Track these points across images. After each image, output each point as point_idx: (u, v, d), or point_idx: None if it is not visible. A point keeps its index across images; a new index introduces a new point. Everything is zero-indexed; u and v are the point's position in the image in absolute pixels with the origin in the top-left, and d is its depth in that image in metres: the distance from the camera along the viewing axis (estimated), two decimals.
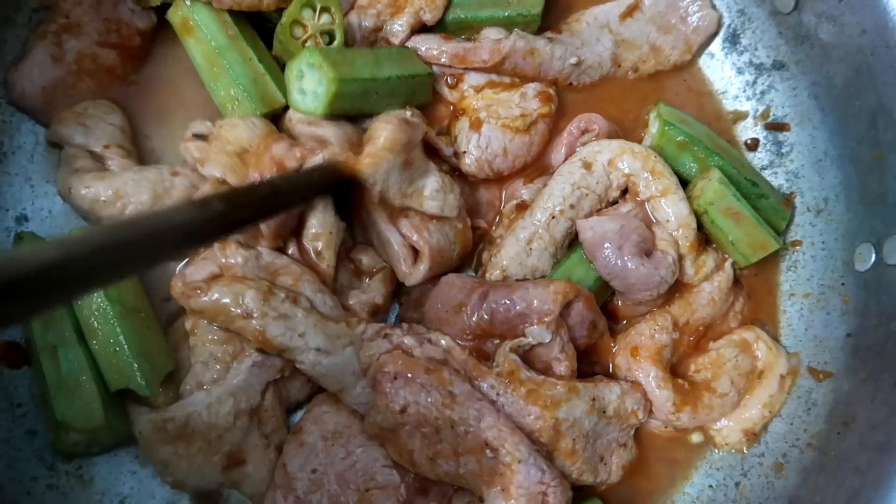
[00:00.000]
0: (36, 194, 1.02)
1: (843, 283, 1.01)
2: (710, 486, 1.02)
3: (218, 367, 0.93)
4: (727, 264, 1.02)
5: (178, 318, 0.99)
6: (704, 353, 1.02)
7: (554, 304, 0.90)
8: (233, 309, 0.88)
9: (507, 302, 0.91)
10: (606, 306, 1.03)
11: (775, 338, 1.05)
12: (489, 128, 1.02)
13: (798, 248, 1.08)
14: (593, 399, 0.92)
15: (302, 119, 0.98)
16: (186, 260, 0.95)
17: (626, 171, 1.00)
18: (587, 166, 1.00)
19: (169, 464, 0.91)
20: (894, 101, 0.92)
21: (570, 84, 1.11)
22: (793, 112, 1.10)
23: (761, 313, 1.06)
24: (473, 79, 1.07)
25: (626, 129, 1.10)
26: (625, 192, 1.03)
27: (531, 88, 1.05)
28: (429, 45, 1.05)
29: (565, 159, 1.04)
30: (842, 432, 0.93)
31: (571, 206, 1.00)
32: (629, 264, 0.95)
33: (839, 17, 0.98)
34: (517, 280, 0.98)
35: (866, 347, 0.94)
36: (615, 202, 1.03)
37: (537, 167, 1.10)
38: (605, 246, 0.95)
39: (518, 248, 1.00)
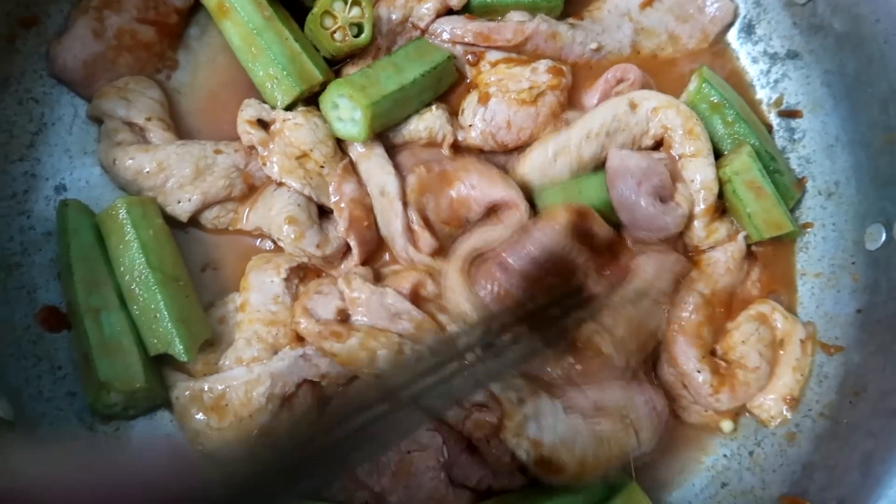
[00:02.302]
0: (74, 165, 1.04)
1: (853, 263, 1.06)
2: (725, 456, 1.06)
3: (260, 345, 0.96)
4: (740, 236, 1.06)
5: (218, 291, 1.02)
6: (727, 335, 1.05)
7: (565, 237, 0.94)
8: (365, 367, 0.91)
9: (526, 253, 0.95)
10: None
11: (791, 310, 1.09)
12: (496, 101, 1.06)
13: (810, 230, 1.12)
14: None
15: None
16: (304, 290, 0.98)
17: (667, 123, 1.04)
18: (633, 106, 1.04)
19: (200, 433, 0.93)
20: None
21: (590, 68, 1.15)
22: (805, 100, 1.14)
23: (777, 286, 1.10)
24: (493, 57, 1.10)
25: None
26: (659, 145, 1.07)
27: (542, 64, 1.08)
28: (453, 25, 1.08)
29: (598, 103, 1.08)
30: (853, 401, 0.97)
31: (607, 134, 1.03)
32: (642, 201, 0.98)
33: (853, 8, 1.02)
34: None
35: (876, 322, 0.99)
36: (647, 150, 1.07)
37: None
38: (627, 177, 0.99)
39: (544, 158, 1.04)
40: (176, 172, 0.99)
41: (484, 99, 1.06)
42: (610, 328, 0.95)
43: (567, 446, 0.90)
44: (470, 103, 1.08)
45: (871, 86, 1.03)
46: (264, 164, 1.00)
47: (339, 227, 1.00)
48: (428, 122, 1.04)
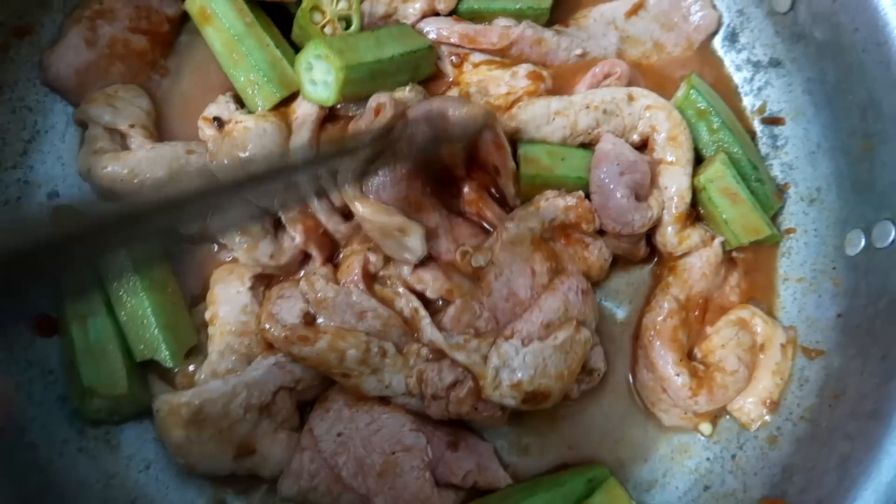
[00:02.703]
0: (67, 172, 1.06)
1: (834, 268, 1.07)
2: (708, 459, 1.07)
3: (234, 357, 0.97)
4: (716, 242, 1.07)
5: (200, 299, 1.03)
6: (706, 339, 1.07)
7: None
8: (334, 367, 0.92)
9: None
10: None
11: (772, 315, 1.10)
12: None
13: (792, 235, 1.13)
14: None
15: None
16: (267, 295, 0.99)
17: (656, 124, 1.06)
18: (630, 98, 1.07)
19: (181, 447, 0.93)
20: (884, 94, 0.98)
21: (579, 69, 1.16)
22: (788, 107, 1.16)
23: (758, 293, 1.11)
24: (477, 59, 1.11)
25: None
26: (643, 146, 1.09)
27: (523, 68, 1.09)
28: (440, 26, 1.10)
29: None
30: (833, 404, 0.98)
31: (604, 112, 1.06)
32: (618, 192, 1.01)
33: (833, 17, 1.04)
34: None
35: (856, 326, 1.00)
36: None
37: None
38: (614, 163, 1.01)
39: (544, 111, 1.05)
40: (149, 176, 1.00)
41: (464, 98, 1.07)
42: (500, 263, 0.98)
43: (542, 373, 0.92)
44: None
45: (850, 93, 1.04)
46: (211, 162, 1.01)
47: (296, 241, 0.99)
48: (403, 96, 1.04)
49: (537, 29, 1.11)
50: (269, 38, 1.05)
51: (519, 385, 0.92)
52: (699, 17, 1.20)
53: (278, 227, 1.02)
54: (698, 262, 1.07)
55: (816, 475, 0.93)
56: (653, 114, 1.07)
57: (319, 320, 0.95)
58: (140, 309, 0.94)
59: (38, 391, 0.97)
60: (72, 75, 1.05)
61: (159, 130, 1.09)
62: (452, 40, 1.10)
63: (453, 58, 1.11)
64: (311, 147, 1.01)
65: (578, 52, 1.15)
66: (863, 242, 1.02)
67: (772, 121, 1.18)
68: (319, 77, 1.00)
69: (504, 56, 1.12)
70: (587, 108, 1.06)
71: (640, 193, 1.04)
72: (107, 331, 0.94)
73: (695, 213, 1.08)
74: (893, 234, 0.96)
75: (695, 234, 1.07)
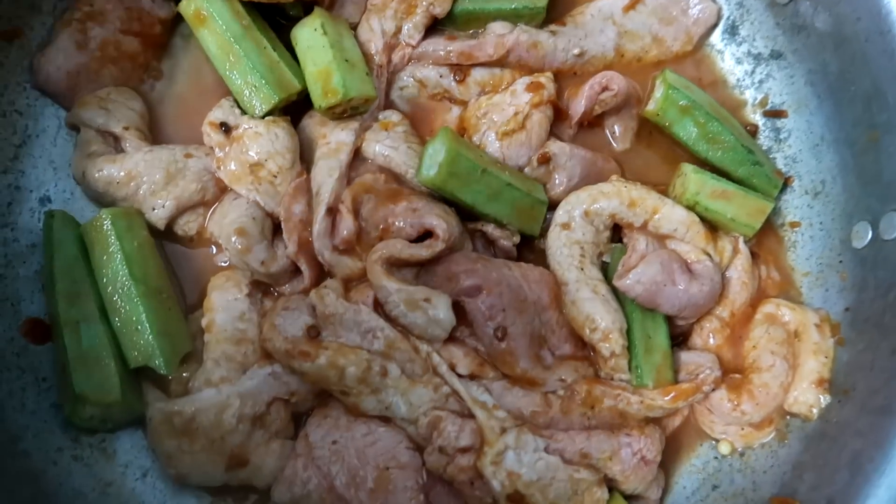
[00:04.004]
0: (59, 177, 1.04)
1: (840, 261, 1.05)
2: (716, 458, 1.05)
3: (229, 366, 0.95)
4: (740, 244, 1.06)
5: (198, 305, 1.01)
6: (740, 346, 1.05)
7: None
8: (333, 384, 0.91)
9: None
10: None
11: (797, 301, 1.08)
12: (486, 143, 1.06)
13: (797, 229, 1.12)
14: None
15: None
16: (272, 306, 0.97)
17: (608, 211, 1.03)
18: (566, 227, 1.03)
19: (172, 457, 0.92)
20: (889, 84, 0.96)
21: (574, 74, 1.15)
22: (790, 99, 1.14)
23: (776, 286, 1.10)
24: (479, 74, 1.10)
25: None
26: (618, 232, 1.07)
27: (520, 84, 1.08)
28: (436, 47, 1.09)
29: (584, 110, 1.08)
30: (842, 400, 0.96)
31: (582, 256, 1.02)
32: (690, 289, 0.98)
33: (834, 7, 1.02)
34: None
35: (864, 319, 0.98)
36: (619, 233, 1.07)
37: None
38: (662, 289, 0.98)
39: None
40: (146, 179, 0.98)
41: (477, 146, 1.06)
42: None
43: (541, 487, 0.90)
44: None
45: (854, 84, 1.03)
46: (219, 168, 0.99)
47: (288, 249, 0.97)
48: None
49: (531, 32, 1.10)
50: (265, 41, 1.03)
51: (516, 478, 0.90)
52: (698, 11, 1.18)
53: (276, 234, 1.00)
54: (735, 273, 1.05)
55: (828, 473, 0.91)
56: (595, 210, 1.03)
57: (325, 335, 0.93)
58: (135, 314, 0.92)
59: (32, 399, 0.95)
60: (63, 78, 1.03)
61: (153, 133, 1.07)
62: (451, 60, 1.09)
63: (456, 76, 1.10)
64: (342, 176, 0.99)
65: (576, 51, 1.13)
66: (870, 235, 1.00)
67: (774, 114, 1.16)
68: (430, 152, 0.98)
69: (503, 65, 1.10)
70: (582, 270, 1.01)
71: (688, 266, 1.01)
72: (100, 337, 0.93)
73: (708, 224, 1.06)
74: None
75: (727, 244, 1.06)
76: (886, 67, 0.96)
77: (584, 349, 1.01)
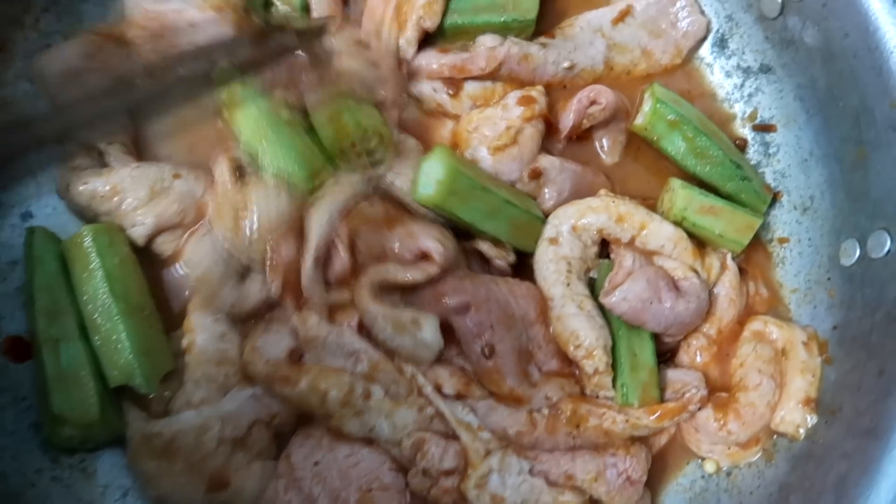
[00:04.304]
0: (41, 192, 1.03)
1: (828, 278, 1.05)
2: (703, 477, 1.04)
3: (210, 387, 0.94)
4: (728, 260, 1.05)
5: (180, 321, 0.99)
6: (727, 364, 1.04)
7: None
8: (316, 408, 0.90)
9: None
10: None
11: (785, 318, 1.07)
12: (478, 158, 1.05)
13: (786, 244, 1.11)
14: None
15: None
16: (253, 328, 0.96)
17: (596, 226, 1.02)
18: (554, 242, 1.02)
19: (152, 478, 0.91)
20: (876, 101, 0.96)
21: (564, 87, 1.14)
22: (779, 114, 1.14)
23: (764, 303, 1.09)
24: (471, 87, 1.10)
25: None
26: (606, 248, 1.06)
27: (512, 98, 1.07)
28: (428, 61, 1.08)
29: (572, 125, 1.08)
30: (829, 421, 0.96)
31: (569, 272, 1.01)
32: (677, 307, 0.97)
33: (823, 22, 1.02)
34: None
35: (852, 338, 0.97)
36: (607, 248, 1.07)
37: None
38: (648, 306, 0.97)
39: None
40: (131, 195, 0.97)
41: (469, 161, 1.05)
42: None
43: None
44: None
45: (842, 100, 1.02)
46: (211, 197, 0.98)
47: (272, 290, 0.95)
48: None
49: (522, 45, 1.09)
50: (300, 128, 0.98)
51: (499, 501, 0.89)
52: (687, 24, 1.17)
53: (245, 274, 0.98)
54: (722, 290, 1.04)
55: (814, 495, 0.90)
56: (583, 225, 1.02)
57: (307, 357, 0.92)
58: (115, 333, 0.91)
59: (10, 419, 0.94)
60: (56, 74, 1.00)
61: (139, 149, 1.05)
62: (445, 73, 1.08)
63: (449, 90, 1.09)
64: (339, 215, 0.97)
65: (566, 64, 1.12)
66: (858, 252, 0.99)
67: (763, 128, 1.15)
68: (426, 171, 0.96)
69: (495, 78, 1.10)
70: (568, 286, 1.00)
71: (674, 283, 1.00)
72: (79, 356, 0.92)
73: (696, 241, 1.05)
74: (889, 243, 0.94)
75: (714, 261, 1.05)
76: (874, 84, 0.95)
77: (570, 365, 1.00)
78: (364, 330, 0.94)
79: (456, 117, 1.10)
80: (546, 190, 1.07)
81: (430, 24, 1.08)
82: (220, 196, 0.96)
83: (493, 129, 1.05)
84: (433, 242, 0.94)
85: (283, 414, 0.94)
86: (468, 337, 0.95)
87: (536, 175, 1.05)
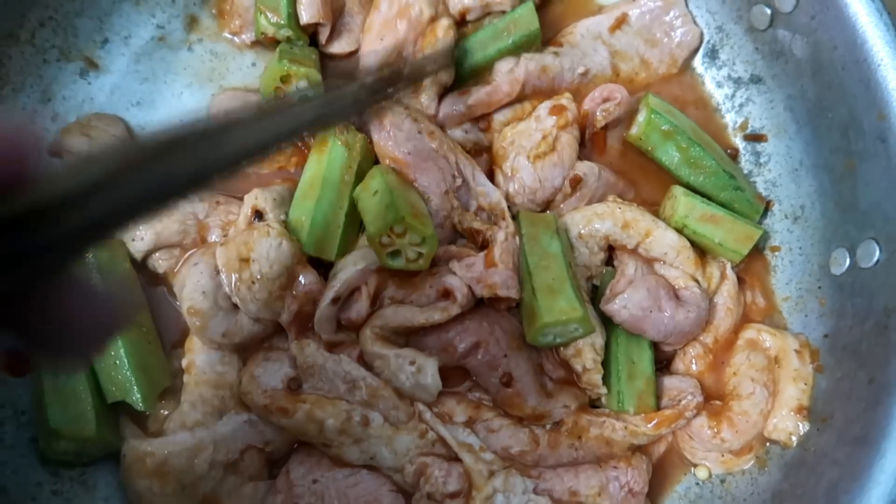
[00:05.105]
0: None
1: (819, 287, 1.06)
2: (697, 484, 1.06)
3: (206, 409, 0.94)
4: (727, 269, 1.06)
5: (181, 339, 1.00)
6: (721, 372, 1.05)
7: None
8: (314, 437, 0.90)
9: None
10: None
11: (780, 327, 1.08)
12: (519, 167, 1.05)
13: (777, 253, 1.12)
14: None
15: None
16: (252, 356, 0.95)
17: (602, 233, 1.02)
18: (580, 237, 1.03)
19: (143, 497, 0.91)
20: (864, 113, 0.97)
21: (579, 93, 1.14)
22: (770, 124, 1.15)
23: (760, 311, 1.10)
24: (501, 115, 1.10)
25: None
26: (610, 256, 1.07)
27: (543, 109, 1.07)
28: (454, 108, 1.07)
29: (587, 122, 1.09)
30: (821, 428, 0.97)
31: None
32: (677, 316, 0.98)
33: (812, 35, 1.03)
34: None
35: (843, 347, 0.99)
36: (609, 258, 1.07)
37: None
38: (648, 315, 0.97)
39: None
40: None
41: (513, 172, 1.05)
42: None
43: None
44: (501, 181, 1.07)
45: (831, 111, 1.03)
46: (224, 234, 0.98)
47: (283, 317, 0.94)
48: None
49: (536, 58, 1.10)
50: (347, 203, 0.97)
51: None
52: (681, 33, 1.19)
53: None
54: (720, 299, 1.05)
55: (806, 502, 0.92)
56: (589, 232, 1.03)
57: (306, 386, 0.92)
58: (113, 349, 0.92)
59: (10, 433, 0.94)
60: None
61: None
62: (476, 114, 1.08)
63: (480, 124, 1.10)
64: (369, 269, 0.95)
65: (581, 70, 1.13)
66: (848, 262, 1.01)
67: (754, 137, 1.17)
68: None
69: (522, 99, 1.10)
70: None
71: (675, 292, 1.01)
72: (78, 374, 0.91)
73: (697, 250, 1.06)
74: (878, 253, 0.95)
75: (714, 270, 1.06)
76: (862, 96, 0.97)
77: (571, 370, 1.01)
78: (364, 362, 0.94)
79: (492, 162, 1.10)
80: (577, 194, 1.07)
81: (448, 77, 1.07)
82: (231, 236, 0.96)
83: (529, 140, 1.05)
84: (457, 281, 0.94)
85: (278, 441, 0.94)
86: (485, 373, 0.95)
87: (577, 182, 1.06)
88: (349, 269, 0.94)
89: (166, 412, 0.95)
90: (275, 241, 0.94)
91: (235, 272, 0.93)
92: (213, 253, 0.96)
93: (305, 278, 0.95)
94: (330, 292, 0.93)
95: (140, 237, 0.99)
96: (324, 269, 0.99)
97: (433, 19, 1.07)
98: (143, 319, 0.96)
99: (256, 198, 0.98)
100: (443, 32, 1.05)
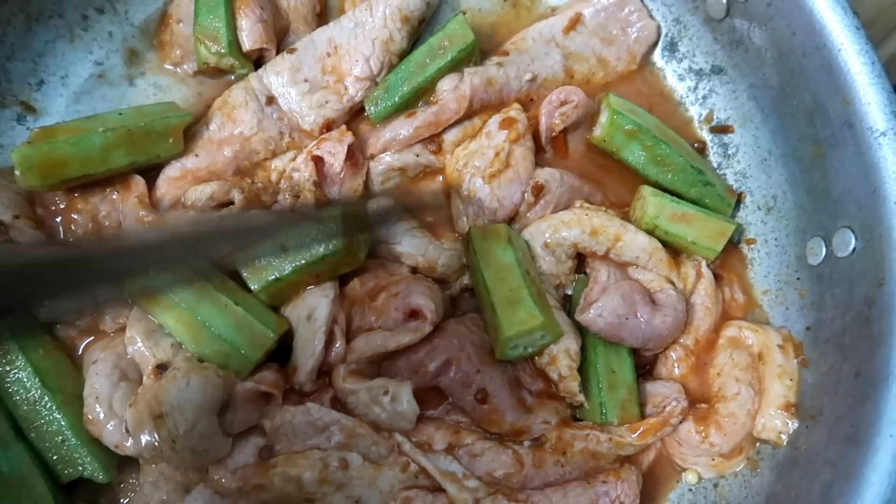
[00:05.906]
0: None
1: (798, 278, 1.04)
2: (690, 490, 1.03)
3: (169, 487, 0.88)
4: (703, 268, 1.04)
5: None
6: (705, 374, 1.03)
7: None
8: (296, 498, 0.86)
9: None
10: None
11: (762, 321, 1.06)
12: (476, 189, 1.02)
13: (753, 245, 1.10)
14: None
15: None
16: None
17: (570, 241, 1.00)
18: (547, 245, 1.01)
19: None
20: (829, 99, 0.95)
21: (532, 100, 1.12)
22: (735, 114, 1.12)
23: (740, 308, 1.08)
24: (451, 135, 1.07)
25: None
26: (581, 262, 1.04)
27: (493, 124, 1.05)
28: (402, 132, 1.04)
29: (546, 127, 1.06)
30: (810, 426, 0.95)
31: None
32: (654, 321, 0.96)
33: (769, 22, 1.01)
34: None
35: (826, 340, 0.97)
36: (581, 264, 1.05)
37: None
38: (624, 322, 0.95)
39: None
40: None
41: (469, 196, 1.03)
42: None
43: None
44: (457, 209, 1.04)
45: (795, 99, 1.01)
46: (129, 407, 0.85)
47: (266, 426, 0.89)
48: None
49: (480, 71, 1.07)
50: (226, 298, 0.89)
51: None
52: (638, 28, 1.16)
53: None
54: (698, 299, 1.03)
55: None
56: (556, 240, 1.01)
57: (279, 447, 0.88)
58: (56, 426, 0.86)
59: None
60: None
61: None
62: (423, 136, 1.05)
63: (430, 146, 1.06)
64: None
65: (528, 77, 1.10)
66: (824, 251, 0.99)
67: (720, 129, 1.14)
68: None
69: (472, 115, 1.07)
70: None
71: (651, 296, 0.99)
72: (20, 458, 0.86)
73: (671, 250, 1.04)
74: (853, 242, 0.93)
75: (689, 269, 1.04)
76: (825, 82, 0.94)
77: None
78: (338, 403, 0.91)
79: (443, 178, 1.07)
80: (542, 202, 1.04)
81: (375, 110, 1.05)
82: (140, 394, 0.86)
83: (482, 159, 1.03)
84: (423, 299, 0.92)
85: None
86: (459, 390, 0.92)
87: (539, 190, 1.03)
88: (322, 302, 0.91)
89: (124, 486, 0.90)
90: (180, 382, 0.84)
91: (152, 432, 0.83)
92: (110, 346, 0.90)
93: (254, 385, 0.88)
94: (320, 343, 0.90)
95: (46, 304, 0.92)
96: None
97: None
98: (80, 390, 0.90)
99: (157, 359, 0.87)
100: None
